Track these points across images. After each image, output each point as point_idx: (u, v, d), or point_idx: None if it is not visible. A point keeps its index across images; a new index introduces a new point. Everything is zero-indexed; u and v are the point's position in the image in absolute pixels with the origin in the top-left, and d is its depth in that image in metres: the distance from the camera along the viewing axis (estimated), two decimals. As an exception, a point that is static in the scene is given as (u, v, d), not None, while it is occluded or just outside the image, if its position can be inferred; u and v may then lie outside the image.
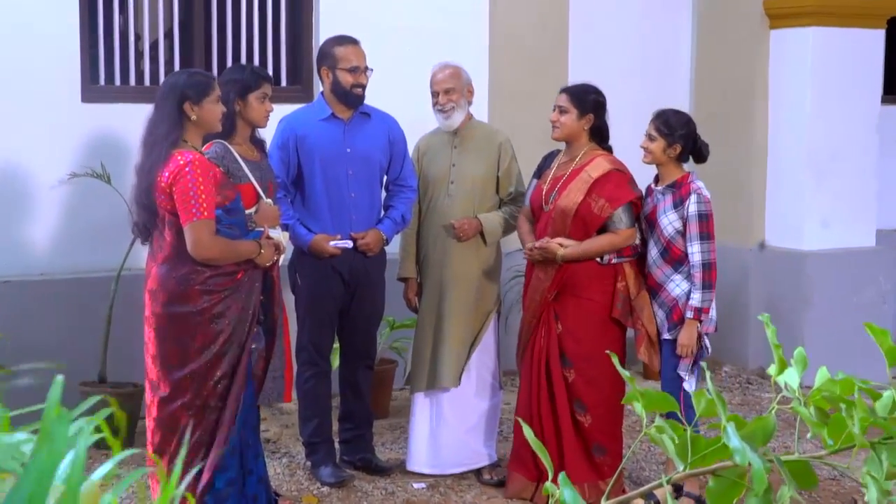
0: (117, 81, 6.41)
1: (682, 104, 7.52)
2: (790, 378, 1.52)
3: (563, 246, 5.03)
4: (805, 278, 7.36)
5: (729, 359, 7.62)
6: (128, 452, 1.31)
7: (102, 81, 6.37)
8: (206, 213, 4.14)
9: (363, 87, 5.30)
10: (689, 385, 4.94)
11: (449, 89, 5.40)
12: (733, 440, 1.47)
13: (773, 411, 1.54)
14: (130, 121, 6.21)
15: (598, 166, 5.07)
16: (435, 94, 5.44)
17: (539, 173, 5.31)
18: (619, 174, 5.08)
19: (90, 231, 6.21)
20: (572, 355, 5.09)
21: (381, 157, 5.40)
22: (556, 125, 5.12)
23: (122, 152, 6.21)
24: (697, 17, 7.98)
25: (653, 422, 1.63)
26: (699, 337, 4.95)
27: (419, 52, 6.68)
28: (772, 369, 1.57)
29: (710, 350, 4.99)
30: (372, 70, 5.33)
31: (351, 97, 5.30)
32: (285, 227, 5.08)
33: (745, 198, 7.61)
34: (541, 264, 5.11)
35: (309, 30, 6.82)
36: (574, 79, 6.15)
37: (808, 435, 1.57)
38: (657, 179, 5.10)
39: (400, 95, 6.09)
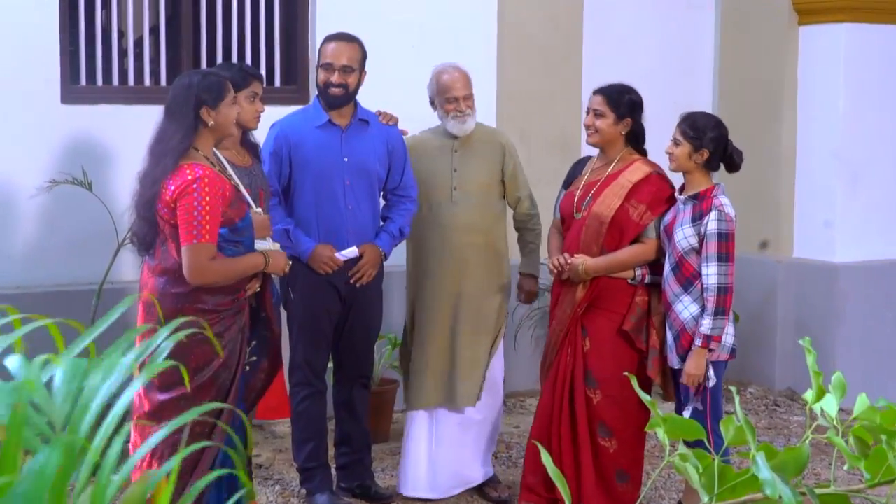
0: (99, 81, 6.41)
1: (705, 106, 7.51)
2: (828, 405, 1.50)
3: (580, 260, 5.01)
4: (837, 292, 7.33)
5: (755, 379, 7.60)
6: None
7: (83, 81, 6.37)
8: (206, 237, 4.12)
9: (337, 86, 5.20)
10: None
11: (468, 95, 5.43)
12: (763, 471, 1.46)
13: (806, 440, 1.53)
14: (113, 123, 6.23)
15: (637, 170, 5.05)
16: (453, 101, 5.41)
17: (568, 182, 5.28)
18: (660, 178, 5.07)
19: (70, 241, 6.20)
20: (599, 374, 5.03)
21: (380, 168, 5.37)
22: (592, 130, 5.08)
23: (105, 157, 6.21)
24: (721, 12, 7.97)
25: (675, 448, 1.62)
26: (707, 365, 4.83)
27: (422, 50, 6.67)
28: (807, 395, 1.55)
29: (713, 380, 4.83)
30: (355, 70, 5.21)
31: (326, 97, 5.26)
32: (286, 233, 5.13)
33: (772, 206, 7.59)
34: (569, 279, 5.07)
35: (304, 26, 6.82)
36: (588, 79, 6.16)
37: (845, 466, 1.56)
38: (682, 188, 5.03)
39: (402, 96, 6.07)
